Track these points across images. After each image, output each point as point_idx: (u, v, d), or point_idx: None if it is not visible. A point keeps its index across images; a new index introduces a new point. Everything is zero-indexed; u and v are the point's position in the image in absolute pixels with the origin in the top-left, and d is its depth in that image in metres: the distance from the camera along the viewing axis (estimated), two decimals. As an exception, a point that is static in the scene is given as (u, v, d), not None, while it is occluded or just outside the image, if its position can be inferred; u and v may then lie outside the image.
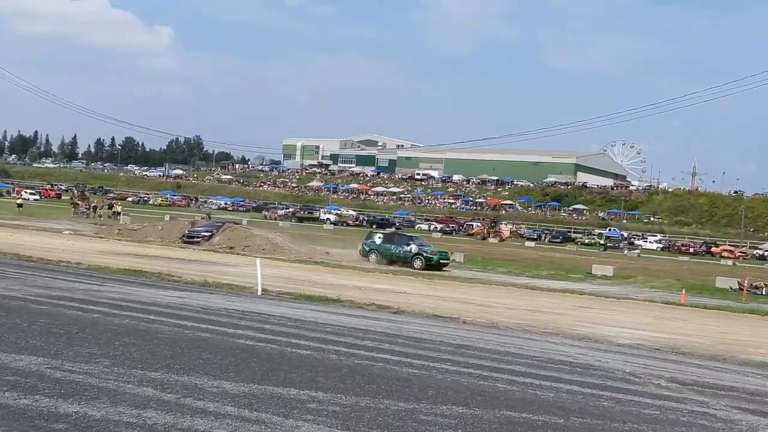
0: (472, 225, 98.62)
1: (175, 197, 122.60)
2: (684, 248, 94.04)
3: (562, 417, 7.74)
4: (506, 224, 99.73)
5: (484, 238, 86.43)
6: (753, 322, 22.92)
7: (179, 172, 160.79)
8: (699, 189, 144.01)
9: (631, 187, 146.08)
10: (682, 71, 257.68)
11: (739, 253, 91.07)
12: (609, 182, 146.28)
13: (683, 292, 30.53)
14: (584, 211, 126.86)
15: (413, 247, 37.64)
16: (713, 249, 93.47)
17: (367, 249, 38.75)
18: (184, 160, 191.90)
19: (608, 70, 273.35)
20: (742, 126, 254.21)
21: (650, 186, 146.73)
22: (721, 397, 9.67)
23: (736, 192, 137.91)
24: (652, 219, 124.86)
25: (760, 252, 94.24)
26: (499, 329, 15.77)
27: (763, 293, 40.52)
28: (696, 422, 8.09)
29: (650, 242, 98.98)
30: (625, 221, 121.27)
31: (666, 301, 27.87)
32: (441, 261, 37.38)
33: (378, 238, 39.71)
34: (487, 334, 14.72)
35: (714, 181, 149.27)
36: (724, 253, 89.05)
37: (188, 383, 7.94)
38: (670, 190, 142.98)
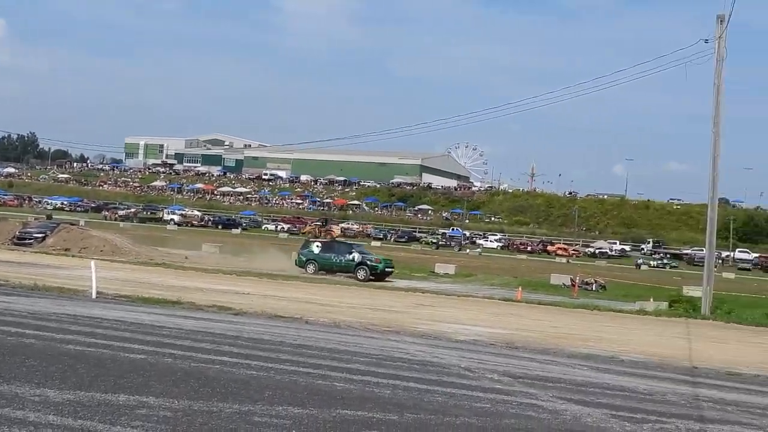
0: (305, 225, 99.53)
1: (6, 197, 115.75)
2: (522, 247, 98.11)
3: (397, 414, 7.84)
4: (337, 224, 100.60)
5: (315, 237, 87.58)
6: (583, 316, 24.13)
7: (11, 170, 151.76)
8: (537, 190, 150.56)
9: (473, 188, 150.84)
10: (522, 76, 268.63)
11: (573, 251, 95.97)
12: (453, 183, 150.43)
13: (520, 289, 31.83)
14: (429, 211, 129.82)
15: (356, 256, 36.36)
16: (549, 247, 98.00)
17: (304, 259, 37.10)
18: (17, 158, 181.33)
19: (452, 74, 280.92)
20: (576, 130, 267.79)
21: (491, 187, 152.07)
22: (549, 389, 10.09)
23: (570, 193, 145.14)
24: (493, 219, 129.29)
25: (592, 250, 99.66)
26: (341, 328, 15.83)
27: (593, 289, 42.92)
28: (524, 413, 8.40)
29: (491, 241, 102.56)
30: (467, 221, 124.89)
31: (504, 298, 28.89)
32: (386, 269, 36.30)
33: (316, 247, 38.00)
34: (328, 333, 14.74)
35: (551, 182, 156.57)
36: (559, 251, 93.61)
37: (7, 392, 7.49)
38: (510, 191, 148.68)
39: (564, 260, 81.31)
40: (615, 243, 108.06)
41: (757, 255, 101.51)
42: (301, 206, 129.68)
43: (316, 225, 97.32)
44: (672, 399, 10.26)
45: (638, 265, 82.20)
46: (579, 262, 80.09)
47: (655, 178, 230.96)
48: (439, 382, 9.99)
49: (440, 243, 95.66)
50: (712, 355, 15.98)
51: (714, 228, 28.04)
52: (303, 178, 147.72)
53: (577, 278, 42.90)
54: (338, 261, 36.32)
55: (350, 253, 36.67)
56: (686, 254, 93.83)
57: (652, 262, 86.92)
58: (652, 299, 30.66)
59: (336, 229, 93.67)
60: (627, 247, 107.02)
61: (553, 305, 27.30)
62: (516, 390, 9.84)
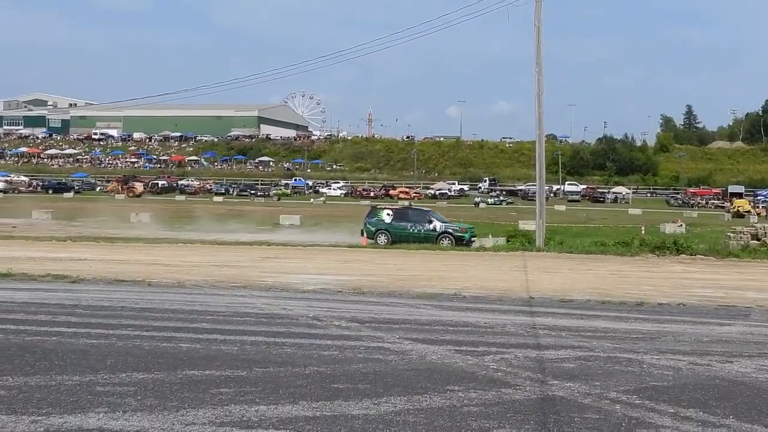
0: (107, 183, 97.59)
1: None
2: (365, 193, 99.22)
3: (245, 369, 7.79)
4: (139, 181, 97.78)
5: (119, 193, 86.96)
6: (426, 256, 24.76)
7: None
8: (375, 136, 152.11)
9: (313, 137, 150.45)
10: (348, 24, 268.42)
11: (414, 194, 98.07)
12: (292, 133, 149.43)
13: (364, 234, 32.19)
14: (270, 163, 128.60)
15: (437, 225, 32.24)
16: (391, 191, 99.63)
17: (373, 229, 32.62)
18: None
19: (284, 25, 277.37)
20: (409, 75, 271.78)
21: (331, 135, 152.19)
22: (396, 331, 10.33)
23: (408, 137, 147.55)
24: (334, 166, 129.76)
25: (433, 191, 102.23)
26: (186, 288, 15.50)
27: (435, 229, 43.93)
28: (371, 357, 8.56)
29: (334, 189, 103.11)
30: (309, 170, 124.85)
31: (350, 245, 29.20)
32: (471, 239, 31.85)
33: (387, 216, 33.33)
34: (173, 294, 14.40)
35: (387, 126, 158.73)
36: (401, 195, 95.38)
37: None
38: (350, 138, 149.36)
39: (407, 203, 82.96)
40: (454, 183, 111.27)
41: (584, 186, 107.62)
42: (136, 165, 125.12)
43: (119, 181, 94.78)
44: (511, 330, 10.76)
45: (477, 204, 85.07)
46: (421, 203, 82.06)
47: (488, 119, 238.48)
48: (287, 333, 10.01)
49: (284, 193, 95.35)
50: (546, 284, 16.83)
51: (543, 163, 29.35)
52: (136, 135, 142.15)
53: (419, 220, 43.78)
54: (416, 231, 31.53)
55: (430, 221, 32.45)
56: (520, 190, 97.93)
57: (489, 200, 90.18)
58: (490, 236, 31.82)
59: (138, 186, 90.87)
60: (465, 187, 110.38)
61: (397, 248, 27.84)
62: (364, 335, 10.01)
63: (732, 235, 29.07)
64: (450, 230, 31.93)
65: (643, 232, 34.09)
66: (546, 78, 28.89)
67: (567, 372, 8.05)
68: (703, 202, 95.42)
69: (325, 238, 33.71)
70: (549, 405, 6.76)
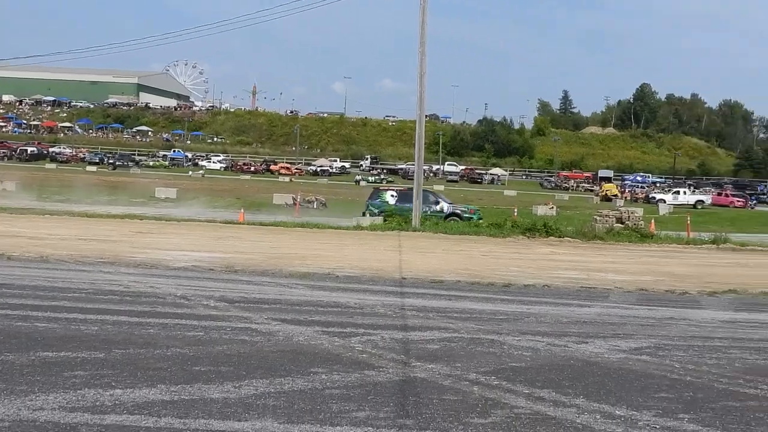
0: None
1: None
2: (246, 167, 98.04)
3: (104, 351, 7.55)
4: (6, 146, 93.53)
5: None
6: (303, 235, 24.67)
7: None
8: (259, 109, 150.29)
9: (194, 108, 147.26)
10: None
11: (296, 170, 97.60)
12: (173, 103, 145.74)
13: (242, 210, 31.81)
14: (148, 133, 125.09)
15: (444, 206, 31.41)
16: (272, 167, 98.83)
17: (377, 211, 31.26)
18: None
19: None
20: (296, 48, 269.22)
21: (213, 106, 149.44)
22: (265, 311, 10.26)
23: (292, 111, 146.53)
24: (215, 139, 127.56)
25: (314, 168, 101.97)
26: (50, 263, 14.90)
27: (315, 207, 44.05)
28: (237, 338, 8.47)
29: (214, 162, 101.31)
30: (189, 142, 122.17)
31: (226, 221, 28.74)
32: (479, 220, 30.71)
33: (391, 197, 32.39)
34: (34, 269, 13.79)
35: (273, 99, 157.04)
36: (282, 171, 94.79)
37: None
38: (233, 110, 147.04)
39: (287, 179, 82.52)
40: (336, 161, 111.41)
41: (463, 167, 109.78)
42: (4, 129, 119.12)
43: None
44: (380, 311, 10.88)
45: (358, 182, 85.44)
46: (302, 180, 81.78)
47: (372, 96, 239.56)
48: (152, 313, 9.77)
49: (161, 165, 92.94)
50: (419, 265, 17.09)
51: (422, 143, 29.70)
52: (5, 98, 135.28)
53: (299, 197, 43.76)
54: (422, 212, 29.79)
55: (437, 202, 31.70)
56: (401, 169, 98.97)
57: (370, 178, 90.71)
58: (368, 214, 32.01)
59: None
60: (347, 165, 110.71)
61: (275, 225, 27.62)
62: (231, 315, 9.89)
63: (598, 218, 30.27)
64: (458, 211, 31.49)
65: (515, 213, 35.11)
66: (430, 57, 29.20)
67: (431, 353, 8.20)
68: (575, 185, 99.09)
69: (202, 213, 33.09)
70: (410, 387, 6.87)
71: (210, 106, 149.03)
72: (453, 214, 31.09)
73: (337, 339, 8.67)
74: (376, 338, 8.83)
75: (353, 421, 5.79)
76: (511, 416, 6.14)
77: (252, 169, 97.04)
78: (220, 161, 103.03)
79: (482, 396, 6.66)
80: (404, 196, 32.18)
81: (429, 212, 30.36)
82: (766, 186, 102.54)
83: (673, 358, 8.61)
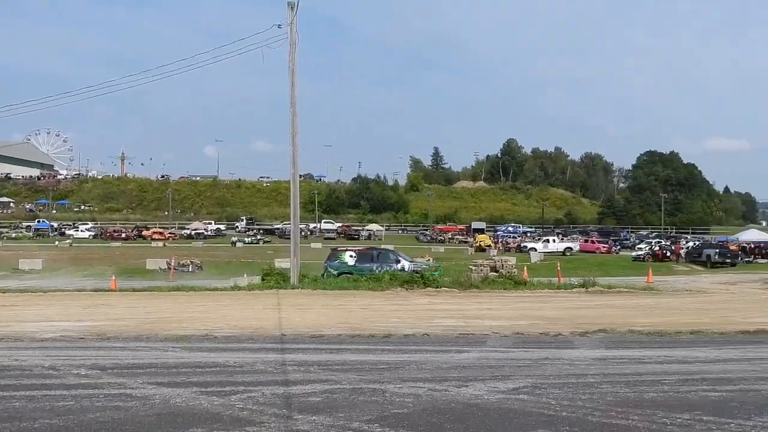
0: None
1: None
2: (116, 234, 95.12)
3: (-36, 428, 7.10)
4: None
5: None
6: (178, 298, 24.07)
7: None
8: (128, 175, 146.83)
9: (59, 176, 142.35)
10: (105, 61, 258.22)
11: (169, 234, 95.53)
12: (36, 172, 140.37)
13: (113, 277, 30.78)
14: (10, 204, 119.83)
15: (405, 264, 30.11)
16: (144, 232, 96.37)
17: (336, 273, 29.88)
18: None
19: (20, 59, 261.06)
20: (165, 113, 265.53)
21: (79, 174, 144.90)
22: (140, 376, 9.91)
23: (163, 176, 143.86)
24: (83, 207, 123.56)
25: (189, 232, 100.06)
26: None
27: (190, 270, 43.19)
28: (111, 405, 8.14)
29: (82, 231, 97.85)
30: (54, 211, 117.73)
31: (96, 289, 27.75)
32: (440, 275, 29.90)
33: (350, 258, 30.98)
34: None
35: (142, 165, 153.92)
36: (155, 236, 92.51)
37: None
38: (100, 177, 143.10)
39: (161, 244, 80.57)
40: (211, 223, 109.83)
41: (340, 224, 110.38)
42: None
43: None
44: (260, 368, 10.70)
45: (234, 243, 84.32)
46: (176, 244, 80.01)
47: (245, 158, 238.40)
48: (17, 386, 9.25)
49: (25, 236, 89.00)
50: (299, 321, 16.97)
51: (297, 202, 29.72)
52: None
53: (173, 261, 42.81)
54: (383, 271, 29.22)
55: (398, 261, 30.71)
56: (278, 228, 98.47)
57: (246, 239, 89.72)
58: (245, 274, 31.65)
59: None
60: (222, 227, 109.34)
61: (148, 290, 26.86)
62: (104, 382, 9.50)
63: (473, 267, 31.02)
64: (418, 269, 30.29)
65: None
66: (303, 118, 29.46)
67: (313, 406, 8.12)
68: (450, 237, 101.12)
69: (71, 283, 31.80)
70: (292, 440, 6.77)
71: (76, 174, 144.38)
72: (414, 272, 29.50)
73: (216, 398, 8.46)
74: (257, 395, 8.68)
75: (235, 478, 5.65)
76: (395, 461, 6.14)
77: (123, 235, 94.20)
78: (88, 229, 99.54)
79: (365, 444, 6.64)
80: (364, 256, 31.53)
81: (390, 271, 29.42)
82: (628, 232, 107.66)
83: (550, 395, 8.84)
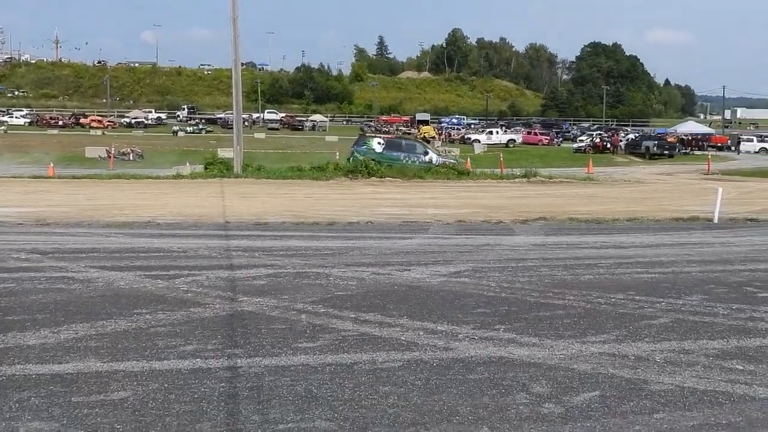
0: None
1: None
2: (53, 121, 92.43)
3: None
4: None
5: None
6: (119, 186, 23.74)
7: None
8: (63, 60, 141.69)
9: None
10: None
11: (108, 123, 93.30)
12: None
13: (51, 164, 30.12)
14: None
15: (433, 157, 30.21)
16: (82, 120, 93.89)
17: (362, 158, 29.10)
18: None
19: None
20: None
21: (11, 58, 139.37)
22: (82, 260, 9.84)
23: (100, 62, 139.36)
24: (16, 93, 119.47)
25: (128, 120, 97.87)
26: None
27: (131, 159, 42.50)
28: (54, 287, 8.09)
29: (17, 117, 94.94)
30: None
31: (34, 176, 27.21)
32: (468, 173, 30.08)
33: (378, 144, 30.56)
34: None
35: (78, 50, 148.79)
36: (94, 124, 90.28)
37: None
38: (33, 62, 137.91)
39: (99, 132, 78.75)
40: (151, 111, 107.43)
41: (283, 114, 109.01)
42: None
43: None
44: (205, 253, 10.72)
45: (175, 132, 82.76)
46: (115, 133, 78.26)
47: (185, 45, 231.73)
48: (-44, 269, 9.13)
49: None
50: (243, 209, 16.94)
51: (239, 91, 29.19)
52: None
53: (113, 149, 42.02)
54: (410, 162, 29.50)
55: (426, 153, 30.70)
56: (220, 118, 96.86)
57: (188, 128, 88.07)
58: (188, 163, 31.28)
59: None
60: (163, 116, 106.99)
61: (88, 178, 26.44)
62: (46, 266, 9.42)
63: (417, 158, 31.14)
64: (448, 162, 30.72)
65: (337, 157, 35.40)
66: (244, 3, 28.60)
67: (258, 289, 8.20)
68: (395, 129, 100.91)
69: (7, 170, 31.10)
70: (237, 320, 6.86)
71: (8, 59, 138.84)
72: (443, 165, 30.30)
73: (161, 281, 8.48)
74: (202, 278, 8.72)
75: (181, 355, 5.73)
76: (338, 339, 6.29)
77: (60, 123, 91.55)
78: (23, 116, 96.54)
79: (310, 323, 6.77)
80: (392, 144, 31.37)
81: (417, 162, 29.66)
82: (570, 124, 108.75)
83: (490, 278, 9.07)
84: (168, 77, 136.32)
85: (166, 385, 5.07)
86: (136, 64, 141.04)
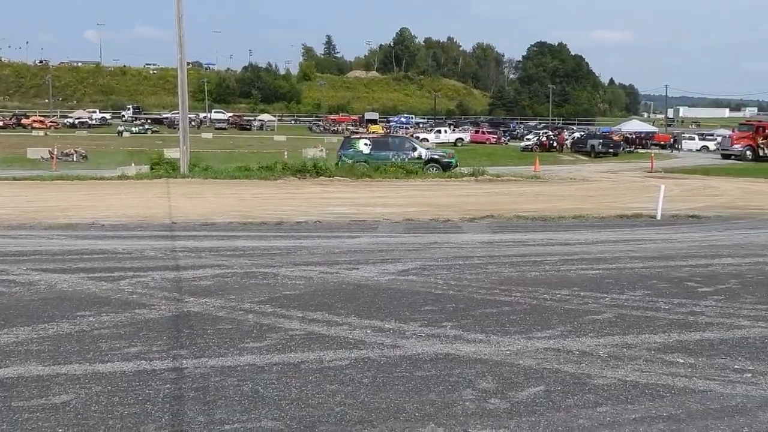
0: None
1: None
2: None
3: None
4: None
5: None
6: (62, 187, 23.28)
7: None
8: (3, 59, 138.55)
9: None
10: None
11: (51, 123, 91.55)
12: None
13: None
14: None
15: (422, 152, 30.45)
16: (24, 121, 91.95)
17: (350, 161, 29.04)
18: None
19: None
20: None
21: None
22: (23, 263, 9.64)
23: (41, 61, 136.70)
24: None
25: (71, 120, 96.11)
26: None
27: (74, 159, 41.75)
28: (-7, 291, 7.92)
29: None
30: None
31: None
32: (456, 164, 30.80)
33: (365, 146, 30.36)
34: None
35: (17, 49, 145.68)
36: (36, 124, 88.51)
37: None
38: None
39: (42, 133, 77.18)
40: (95, 112, 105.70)
41: (231, 114, 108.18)
42: None
43: None
44: (150, 254, 10.58)
45: (120, 133, 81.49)
46: (58, 134, 76.78)
47: (130, 44, 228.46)
48: None
49: None
50: (190, 210, 16.75)
51: (185, 90, 28.83)
52: None
53: (56, 150, 41.26)
54: (399, 160, 29.48)
55: (414, 149, 30.63)
56: (166, 118, 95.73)
57: (133, 129, 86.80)
58: (133, 164, 30.81)
59: None
60: (108, 116, 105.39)
61: (30, 180, 25.86)
62: (-15, 269, 9.20)
63: (366, 157, 31.18)
64: (436, 156, 30.91)
65: (285, 156, 35.24)
66: (190, 2, 28.23)
67: (204, 289, 8.13)
68: (343, 128, 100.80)
69: (-55, 172, 30.27)
70: (183, 321, 6.79)
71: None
72: (432, 160, 30.51)
73: (105, 283, 8.35)
74: (147, 279, 8.61)
75: (125, 357, 5.66)
76: (285, 338, 6.27)
77: (1, 123, 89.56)
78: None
79: (257, 323, 6.73)
80: (379, 143, 31.29)
81: (407, 159, 29.74)
82: (517, 123, 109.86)
83: (438, 276, 9.13)
84: (112, 77, 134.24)
85: (109, 388, 5.00)
86: (80, 64, 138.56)
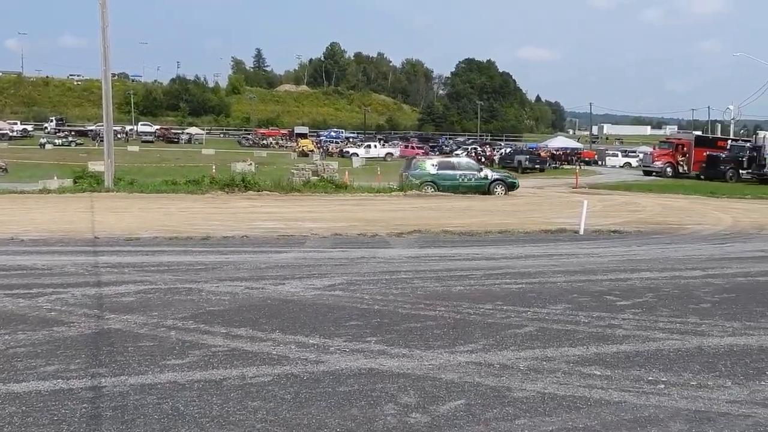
0: None
1: None
2: None
3: None
4: None
5: None
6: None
7: None
8: None
9: None
10: None
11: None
12: None
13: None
14: None
15: (488, 173, 32.15)
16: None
17: (418, 182, 29.50)
18: None
19: None
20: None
21: None
22: (-64, 279, 9.33)
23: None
24: None
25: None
26: None
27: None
28: None
29: None
30: None
31: None
32: (518, 185, 32.83)
33: (432, 166, 30.80)
34: None
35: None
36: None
37: None
38: None
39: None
40: (16, 123, 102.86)
41: (158, 127, 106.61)
42: None
43: None
44: (71, 270, 10.35)
45: (42, 145, 79.49)
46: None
47: (53, 54, 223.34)
48: None
49: None
50: (114, 224, 16.43)
51: (110, 102, 28.29)
52: None
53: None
54: (466, 180, 30.43)
55: (480, 170, 32.10)
56: (91, 130, 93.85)
57: (57, 141, 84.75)
58: (56, 177, 30.09)
59: None
60: (30, 127, 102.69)
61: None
62: None
63: (295, 171, 31.23)
64: (501, 177, 32.54)
65: (214, 170, 34.90)
66: (115, 11, 27.78)
67: (126, 306, 7.99)
68: (273, 142, 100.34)
69: None
70: (104, 338, 6.67)
71: None
72: (497, 180, 31.80)
73: (22, 300, 8.14)
74: (67, 296, 8.42)
75: (41, 376, 5.53)
76: (208, 355, 6.21)
77: None
78: None
79: (180, 339, 6.65)
80: (446, 164, 31.94)
81: (473, 179, 30.66)
82: (446, 138, 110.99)
83: (364, 291, 9.16)
84: (35, 87, 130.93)
85: (24, 408, 4.88)
86: (0, 73, 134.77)
